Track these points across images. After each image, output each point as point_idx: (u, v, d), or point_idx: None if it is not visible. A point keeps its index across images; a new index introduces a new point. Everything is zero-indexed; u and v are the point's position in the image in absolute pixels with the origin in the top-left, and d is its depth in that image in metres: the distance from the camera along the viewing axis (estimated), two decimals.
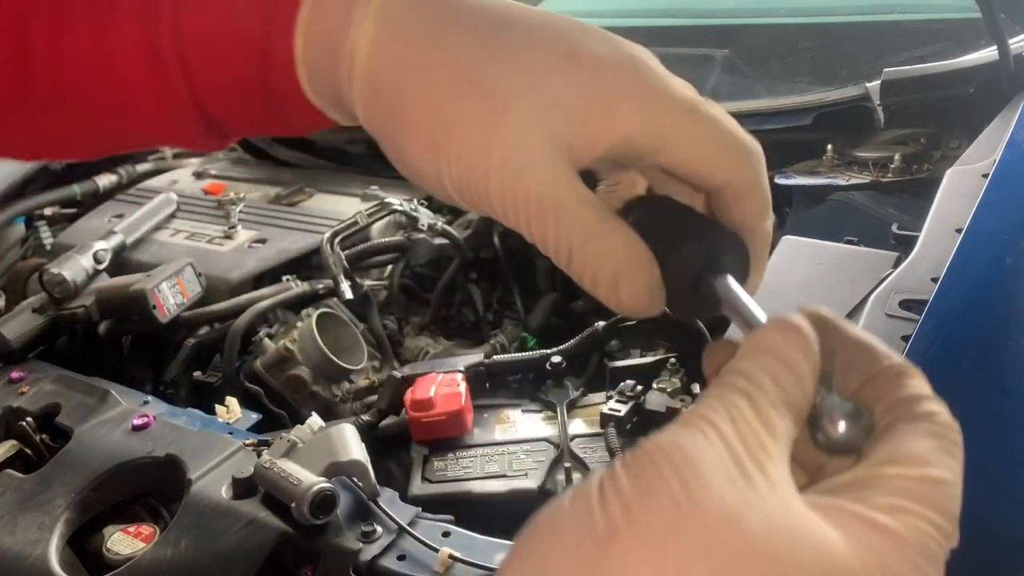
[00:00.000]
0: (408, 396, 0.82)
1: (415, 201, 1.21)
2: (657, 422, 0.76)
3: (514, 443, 0.78)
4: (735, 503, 0.19)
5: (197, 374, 1.00)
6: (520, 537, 0.21)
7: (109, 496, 0.73)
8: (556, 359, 0.86)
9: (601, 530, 0.19)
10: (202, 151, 0.34)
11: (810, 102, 1.15)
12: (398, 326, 1.13)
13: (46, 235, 1.28)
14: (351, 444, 0.67)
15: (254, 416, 0.86)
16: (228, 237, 1.16)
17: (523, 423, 0.82)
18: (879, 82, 1.10)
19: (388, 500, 0.66)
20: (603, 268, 0.29)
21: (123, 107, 0.33)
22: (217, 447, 0.72)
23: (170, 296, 0.96)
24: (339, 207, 1.22)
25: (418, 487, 0.75)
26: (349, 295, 1.04)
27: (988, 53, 1.07)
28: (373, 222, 1.15)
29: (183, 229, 1.19)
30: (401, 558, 0.61)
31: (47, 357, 0.95)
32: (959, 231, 0.78)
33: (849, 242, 0.94)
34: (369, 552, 0.61)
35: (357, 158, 1.43)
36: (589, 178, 0.31)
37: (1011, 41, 1.05)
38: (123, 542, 0.68)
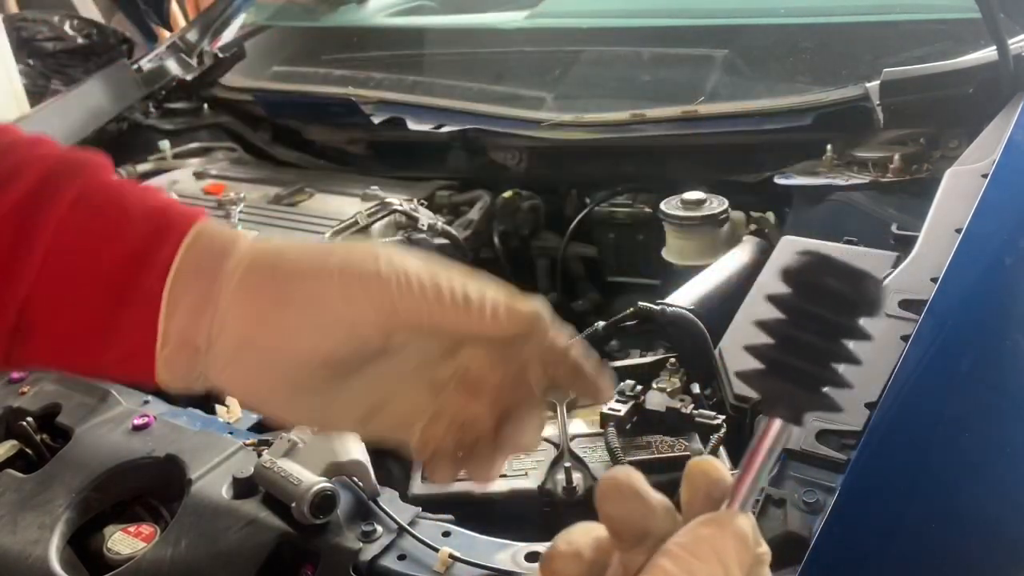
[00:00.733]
0: None
1: (415, 201, 1.21)
2: (657, 422, 0.76)
3: None
4: None
5: None
6: None
7: (109, 496, 0.73)
8: None
9: None
10: None
11: (809, 102, 1.15)
12: None
13: None
14: (351, 444, 0.67)
15: (254, 416, 0.86)
16: None
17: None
18: (879, 82, 1.10)
19: (388, 500, 0.66)
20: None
21: None
22: (217, 447, 0.72)
23: None
24: (339, 207, 1.22)
25: (418, 487, 0.75)
26: None
27: (988, 53, 1.07)
28: (373, 222, 1.15)
29: None
30: (401, 558, 0.61)
31: None
32: (958, 231, 0.78)
33: (849, 242, 0.94)
34: (369, 552, 0.61)
35: (357, 158, 1.43)
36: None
37: (1011, 41, 1.05)
38: (123, 542, 0.68)
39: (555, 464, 0.74)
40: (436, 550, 0.60)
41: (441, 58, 1.63)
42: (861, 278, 0.25)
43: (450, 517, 0.66)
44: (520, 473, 0.74)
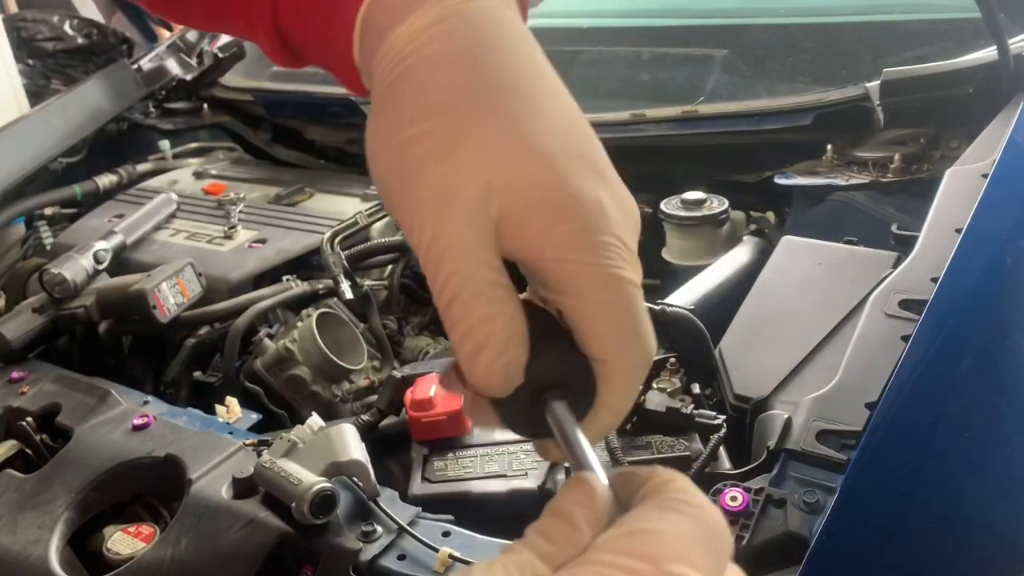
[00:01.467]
0: (408, 396, 0.82)
1: None
2: (657, 422, 0.76)
3: (514, 443, 0.78)
4: None
5: (197, 374, 1.00)
6: None
7: (109, 496, 0.73)
8: None
9: None
10: (281, 65, 0.40)
11: (810, 102, 1.15)
12: (398, 326, 1.13)
13: (46, 235, 1.28)
14: (351, 444, 0.67)
15: (254, 416, 0.86)
16: (228, 237, 1.16)
17: None
18: (879, 82, 1.10)
19: (388, 500, 0.66)
20: (477, 330, 0.29)
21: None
22: (217, 447, 0.72)
23: (170, 296, 0.96)
24: (339, 207, 1.22)
25: (418, 487, 0.75)
26: (349, 295, 1.04)
27: (988, 53, 1.07)
28: (373, 222, 1.15)
29: (183, 229, 1.19)
30: (401, 558, 0.61)
31: (47, 357, 0.95)
32: (959, 231, 0.78)
33: (849, 242, 0.94)
34: (369, 552, 0.61)
35: (357, 158, 1.43)
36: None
37: (1011, 41, 1.05)
38: (123, 542, 0.68)
39: (555, 465, 0.74)
40: (436, 550, 0.60)
41: None
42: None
43: (450, 517, 0.66)
44: (520, 473, 0.74)
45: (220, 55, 1.54)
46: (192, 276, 0.99)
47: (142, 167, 1.42)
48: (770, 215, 1.18)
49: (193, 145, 1.52)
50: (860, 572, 0.54)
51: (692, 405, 0.76)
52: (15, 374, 0.88)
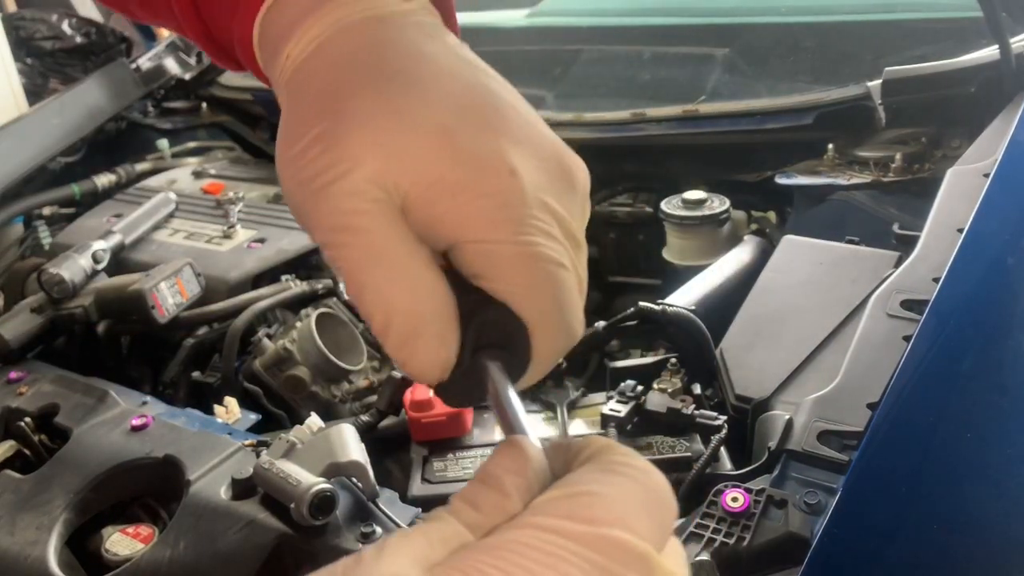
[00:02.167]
0: (408, 396, 0.81)
1: None
2: (658, 423, 0.76)
3: None
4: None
5: (196, 374, 1.00)
6: None
7: (108, 497, 0.72)
8: None
9: None
10: (223, 67, 0.39)
11: (811, 101, 1.14)
12: None
13: (44, 235, 1.27)
14: (350, 444, 0.67)
15: (253, 416, 0.85)
16: (227, 237, 1.15)
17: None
18: (880, 81, 1.10)
19: (388, 501, 0.66)
20: (400, 320, 0.27)
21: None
22: (216, 448, 0.72)
23: (169, 296, 0.96)
24: None
25: (418, 487, 0.75)
26: (348, 295, 1.04)
27: (989, 52, 1.06)
28: None
29: (182, 229, 1.19)
30: None
31: (45, 357, 0.95)
32: (960, 231, 0.78)
33: (850, 242, 0.94)
34: None
35: None
36: None
37: (1012, 40, 1.05)
38: (122, 543, 0.68)
39: None
40: None
41: None
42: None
43: None
44: None
45: None
46: (191, 276, 0.99)
47: (141, 166, 1.42)
48: (771, 215, 1.17)
49: (192, 144, 1.52)
50: (861, 573, 0.54)
51: (693, 406, 0.76)
52: (13, 374, 0.88)
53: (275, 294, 1.03)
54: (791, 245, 0.95)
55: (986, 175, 0.87)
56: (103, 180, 1.35)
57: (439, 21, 0.34)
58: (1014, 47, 1.04)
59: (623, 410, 0.76)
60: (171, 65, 1.55)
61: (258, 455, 0.68)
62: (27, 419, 0.80)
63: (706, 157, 1.22)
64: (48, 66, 2.53)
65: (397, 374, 0.88)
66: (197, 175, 1.37)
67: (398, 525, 0.63)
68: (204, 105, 1.57)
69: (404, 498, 0.69)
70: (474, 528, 0.23)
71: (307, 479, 0.63)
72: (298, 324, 0.99)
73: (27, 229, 1.30)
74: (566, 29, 1.59)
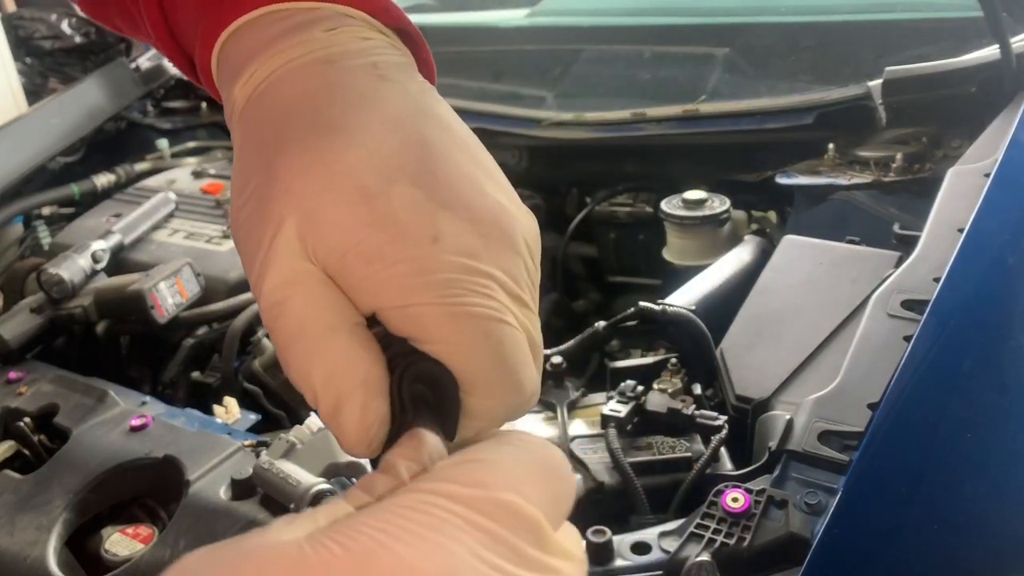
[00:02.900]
0: None
1: None
2: (658, 423, 0.76)
3: None
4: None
5: (195, 374, 1.00)
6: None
7: (107, 497, 0.72)
8: (556, 359, 0.86)
9: None
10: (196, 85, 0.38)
11: (811, 101, 1.14)
12: None
13: (44, 235, 1.27)
14: None
15: (253, 417, 0.85)
16: (226, 237, 1.15)
17: (523, 424, 0.81)
18: (881, 81, 1.10)
19: None
20: (318, 388, 0.26)
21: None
22: (216, 448, 0.72)
23: (168, 296, 0.95)
24: None
25: None
26: None
27: (990, 52, 1.06)
28: None
29: (181, 229, 1.19)
30: None
31: (45, 357, 0.95)
32: (961, 231, 0.78)
33: (851, 242, 0.94)
34: None
35: None
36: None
37: (1013, 40, 1.05)
38: (121, 543, 0.67)
39: None
40: None
41: (441, 57, 1.61)
42: None
43: None
44: None
45: None
46: (190, 276, 0.99)
47: (140, 166, 1.42)
48: (771, 215, 1.17)
49: (191, 144, 1.51)
50: (862, 573, 0.54)
51: (693, 406, 0.76)
52: (13, 374, 0.88)
53: None
54: (791, 245, 0.95)
55: (987, 175, 0.87)
56: (102, 180, 1.35)
57: (404, 59, 0.33)
58: (1014, 47, 1.04)
59: (623, 410, 0.76)
60: (171, 65, 1.55)
61: (258, 455, 0.68)
62: (27, 419, 0.80)
63: (706, 157, 1.22)
64: (47, 66, 2.53)
65: None
66: (197, 175, 1.37)
67: None
68: (204, 105, 1.57)
69: None
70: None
71: (307, 479, 0.63)
72: None
73: (26, 229, 1.30)
74: (566, 29, 1.59)
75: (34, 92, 2.43)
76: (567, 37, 1.54)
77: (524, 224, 0.29)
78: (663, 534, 0.57)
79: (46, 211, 1.31)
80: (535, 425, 0.81)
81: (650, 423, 0.76)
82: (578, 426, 0.80)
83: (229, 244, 1.14)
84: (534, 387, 0.28)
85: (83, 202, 1.33)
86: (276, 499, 0.64)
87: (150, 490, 0.74)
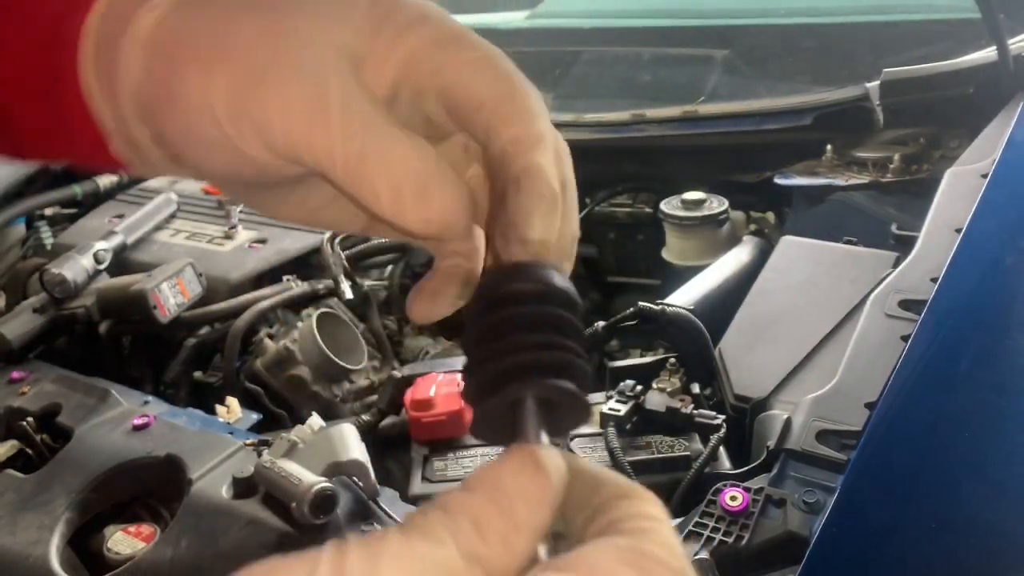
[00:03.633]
0: (408, 396, 0.82)
1: None
2: (657, 422, 0.76)
3: None
4: None
5: (197, 374, 1.00)
6: None
7: (109, 496, 0.73)
8: None
9: None
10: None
11: (810, 102, 1.15)
12: (398, 326, 1.13)
13: (47, 235, 1.28)
14: (351, 444, 0.67)
15: (254, 416, 0.86)
16: (228, 237, 1.16)
17: None
18: (879, 82, 1.10)
19: (388, 500, 0.66)
20: (389, 175, 0.24)
21: None
22: (217, 447, 0.72)
23: (170, 296, 0.96)
24: None
25: (418, 487, 0.75)
26: (349, 295, 1.04)
27: (987, 53, 1.07)
28: None
29: (183, 229, 1.19)
30: None
31: (47, 357, 0.95)
32: (958, 231, 0.78)
33: (849, 242, 0.94)
34: None
35: None
36: None
37: (1010, 41, 1.05)
38: (124, 542, 0.68)
39: None
40: None
41: None
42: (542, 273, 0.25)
43: None
44: None
45: None
46: (192, 276, 0.99)
47: None
48: (770, 215, 1.18)
49: None
50: (860, 572, 0.54)
51: (692, 405, 0.76)
52: (15, 374, 0.88)
53: (276, 294, 1.03)
54: (790, 245, 0.95)
55: (984, 175, 0.87)
56: (105, 180, 1.36)
57: None
58: (1012, 48, 1.04)
59: (622, 409, 0.76)
60: None
61: (259, 454, 0.69)
62: (29, 419, 0.81)
63: (705, 158, 1.23)
64: None
65: (397, 374, 0.88)
66: None
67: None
68: None
69: (405, 497, 0.69)
70: (473, 559, 0.19)
71: (308, 478, 0.63)
72: (299, 324, 0.99)
73: (29, 229, 1.30)
74: (566, 31, 1.59)
75: None
76: (567, 39, 1.55)
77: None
78: None
79: (49, 212, 1.31)
80: None
81: (649, 422, 0.76)
82: None
83: (231, 244, 1.14)
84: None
85: (85, 203, 1.33)
86: (277, 498, 0.65)
87: (152, 489, 0.74)
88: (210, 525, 0.65)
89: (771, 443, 0.63)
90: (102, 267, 1.02)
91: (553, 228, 0.25)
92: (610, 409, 0.76)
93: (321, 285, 1.06)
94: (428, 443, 0.80)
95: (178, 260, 1.00)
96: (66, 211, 1.33)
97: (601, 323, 0.91)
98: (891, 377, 0.63)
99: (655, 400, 0.77)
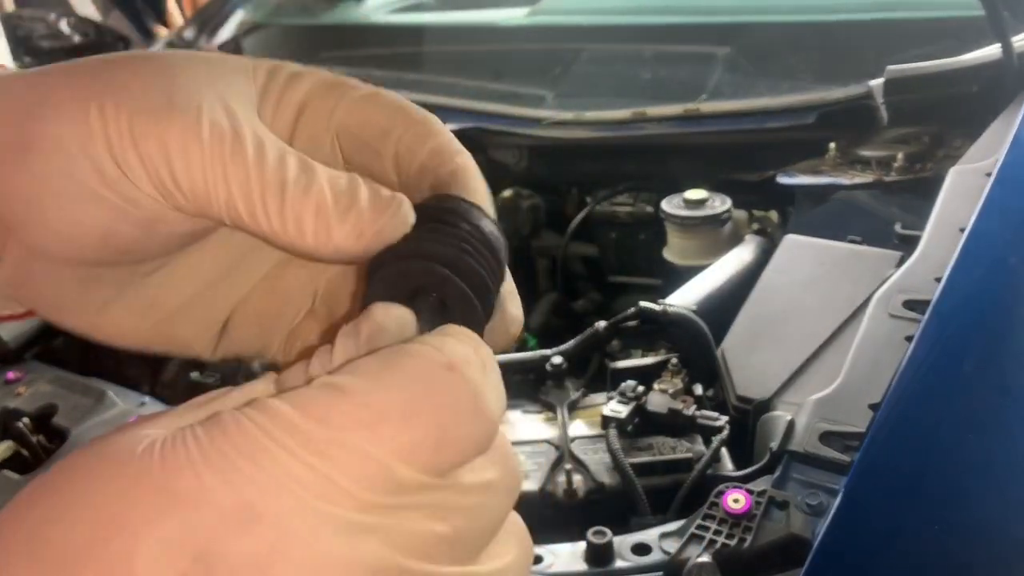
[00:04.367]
0: None
1: None
2: (658, 423, 0.76)
3: (514, 444, 0.78)
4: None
5: (194, 375, 0.99)
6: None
7: None
8: (556, 360, 0.86)
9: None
10: None
11: (813, 100, 1.14)
12: None
13: None
14: None
15: None
16: None
17: (523, 424, 0.81)
18: (882, 80, 1.10)
19: None
20: (314, 198, 0.22)
21: None
22: None
23: None
24: None
25: None
26: None
27: (992, 51, 1.06)
28: None
29: None
30: None
31: (44, 357, 0.95)
32: (963, 230, 0.78)
33: (852, 241, 0.94)
34: None
35: None
36: None
37: (1014, 39, 1.04)
38: None
39: (556, 466, 0.74)
40: None
41: (440, 56, 1.62)
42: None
43: None
44: None
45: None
46: None
47: None
48: (773, 214, 1.17)
49: None
50: (863, 574, 0.54)
51: (694, 406, 0.75)
52: (11, 374, 0.87)
53: None
54: (792, 245, 0.95)
55: (988, 174, 0.87)
56: None
57: None
58: (1016, 46, 1.04)
59: (624, 411, 0.75)
60: None
61: None
62: (25, 419, 0.80)
63: (707, 156, 1.22)
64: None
65: None
66: None
67: None
68: None
69: None
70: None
71: None
72: None
73: None
74: (566, 28, 1.58)
75: None
76: (567, 36, 1.54)
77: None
78: (664, 535, 0.57)
79: None
80: (535, 426, 0.81)
81: (651, 424, 0.76)
82: (578, 427, 0.80)
83: None
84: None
85: None
86: None
87: None
88: None
89: (774, 445, 0.62)
90: None
91: None
92: (611, 410, 0.76)
93: None
94: None
95: None
96: None
97: (602, 323, 0.90)
98: (895, 378, 0.63)
99: (657, 401, 0.76)
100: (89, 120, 0.22)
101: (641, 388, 0.78)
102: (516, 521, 0.22)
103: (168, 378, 0.99)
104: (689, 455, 0.72)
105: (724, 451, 0.72)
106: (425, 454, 0.18)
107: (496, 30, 1.60)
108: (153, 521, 0.17)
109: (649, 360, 0.84)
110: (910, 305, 0.72)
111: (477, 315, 0.23)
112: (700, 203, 1.13)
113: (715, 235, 1.13)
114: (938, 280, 0.72)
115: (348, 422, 0.18)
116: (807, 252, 0.93)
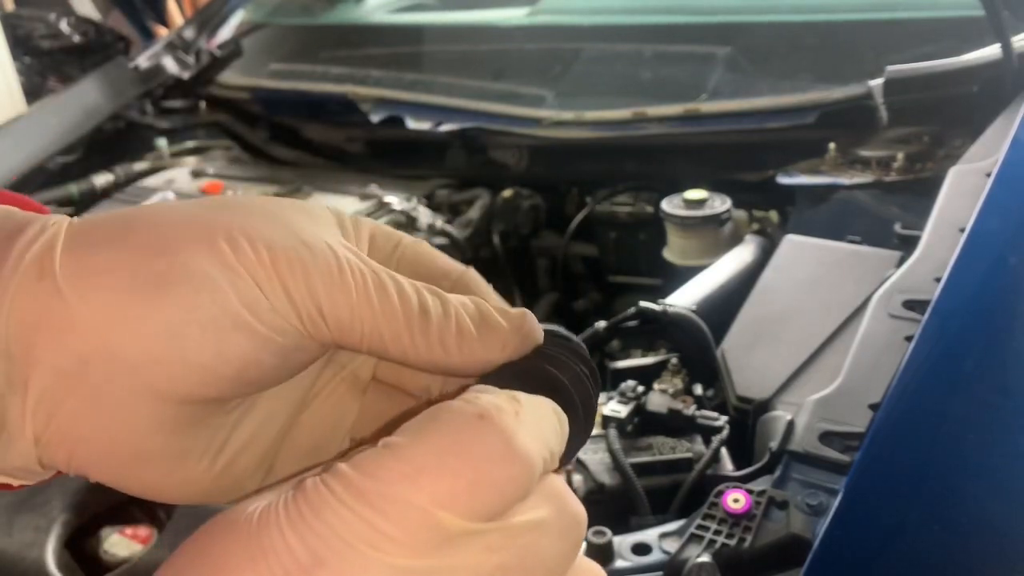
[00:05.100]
0: None
1: (415, 200, 1.20)
2: (658, 423, 0.76)
3: None
4: None
5: None
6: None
7: (106, 498, 0.72)
8: None
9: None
10: None
11: (813, 100, 1.14)
12: None
13: None
14: None
15: None
16: None
17: None
18: (882, 80, 1.10)
19: None
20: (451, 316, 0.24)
21: None
22: None
23: None
24: (337, 206, 1.21)
25: None
26: None
27: (992, 51, 1.06)
28: None
29: None
30: None
31: None
32: (963, 230, 0.78)
33: (852, 241, 0.94)
34: None
35: (355, 157, 1.43)
36: None
37: (1015, 39, 1.04)
38: (120, 544, 0.67)
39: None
40: None
41: (440, 55, 1.62)
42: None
43: None
44: None
45: (218, 53, 1.53)
46: None
47: (139, 166, 1.42)
48: (773, 214, 1.17)
49: (190, 144, 1.51)
50: (863, 574, 0.54)
51: (694, 406, 0.75)
52: None
53: None
54: (792, 245, 0.95)
55: (988, 174, 0.87)
56: (101, 180, 1.35)
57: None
58: (1016, 46, 1.04)
59: (624, 411, 0.75)
60: (169, 64, 1.54)
61: None
62: None
63: (707, 156, 1.22)
64: (46, 65, 2.53)
65: None
66: (195, 174, 1.37)
67: None
68: (202, 104, 1.56)
69: None
70: None
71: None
72: None
73: None
74: (567, 28, 1.58)
75: (32, 92, 2.42)
76: (567, 36, 1.54)
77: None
78: (664, 535, 0.57)
79: None
80: None
81: (651, 424, 0.76)
82: None
83: None
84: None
85: (81, 202, 1.32)
86: None
87: None
88: None
89: (774, 445, 0.62)
90: None
91: None
92: (611, 410, 0.76)
93: None
94: None
95: None
96: (62, 210, 1.32)
97: (602, 323, 0.90)
98: (895, 378, 0.63)
99: (657, 401, 0.76)
100: (223, 253, 0.23)
101: (641, 388, 0.78)
102: (590, 569, 0.23)
103: None
104: (689, 455, 0.72)
105: (724, 451, 0.72)
106: (463, 499, 0.20)
107: (496, 30, 1.60)
108: (245, 570, 0.20)
109: (649, 360, 0.84)
110: (910, 305, 0.72)
111: (581, 427, 0.25)
112: (700, 203, 1.12)
113: (715, 235, 1.13)
114: (938, 280, 0.72)
115: (392, 475, 0.20)
116: (807, 252, 0.93)
